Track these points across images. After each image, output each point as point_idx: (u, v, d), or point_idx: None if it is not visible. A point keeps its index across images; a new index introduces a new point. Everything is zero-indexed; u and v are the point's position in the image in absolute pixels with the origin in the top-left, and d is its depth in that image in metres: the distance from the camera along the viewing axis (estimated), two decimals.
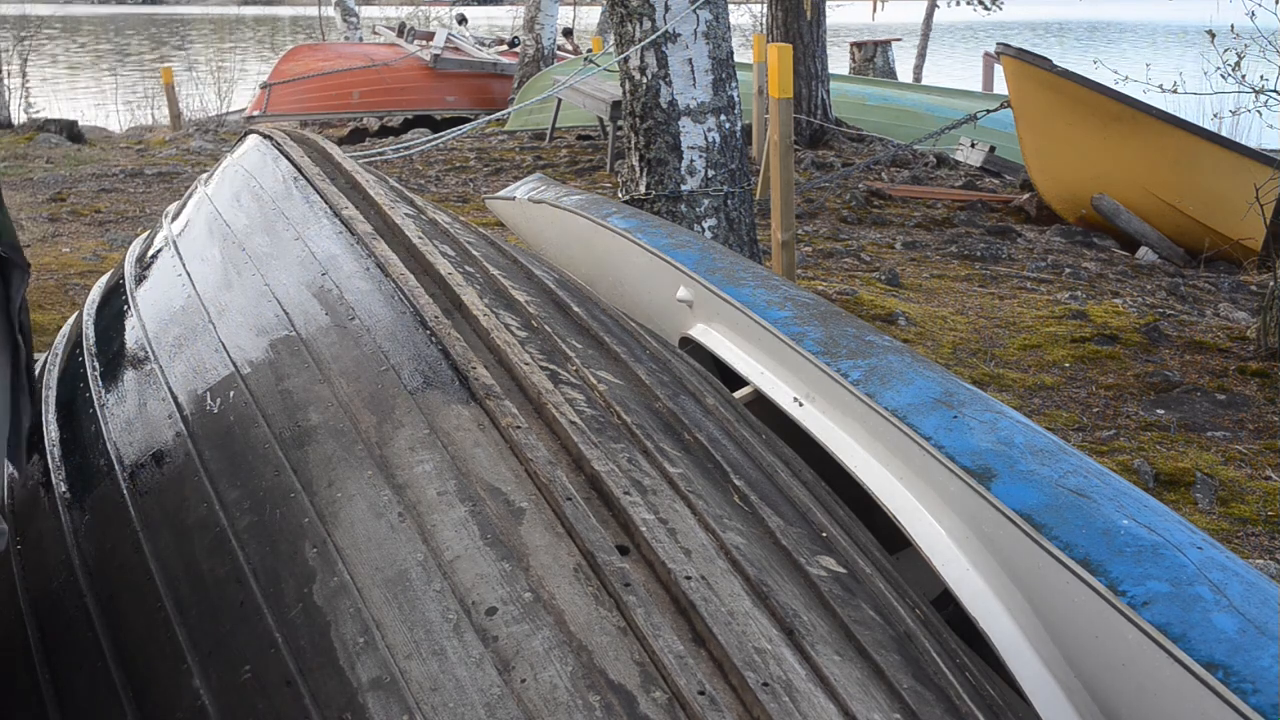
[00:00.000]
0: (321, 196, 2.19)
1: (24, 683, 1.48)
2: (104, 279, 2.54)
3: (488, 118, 7.59)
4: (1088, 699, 1.69)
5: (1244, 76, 6.89)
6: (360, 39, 16.47)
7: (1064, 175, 6.98)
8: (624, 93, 4.86)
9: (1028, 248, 6.60)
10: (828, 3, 9.75)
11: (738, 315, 2.55)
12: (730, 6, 5.29)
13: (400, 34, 14.73)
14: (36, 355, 2.82)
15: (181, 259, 2.18)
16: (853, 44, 14.75)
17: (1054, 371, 4.39)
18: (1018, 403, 4.05)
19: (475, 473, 1.38)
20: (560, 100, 9.71)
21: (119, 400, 1.82)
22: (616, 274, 3.14)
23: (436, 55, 12.97)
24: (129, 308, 2.14)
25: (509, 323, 1.78)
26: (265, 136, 2.60)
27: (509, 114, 9.65)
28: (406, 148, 7.34)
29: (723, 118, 4.76)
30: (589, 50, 12.29)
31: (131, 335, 2.03)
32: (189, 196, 2.63)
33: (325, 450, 1.46)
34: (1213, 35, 6.57)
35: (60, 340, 2.40)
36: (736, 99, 4.83)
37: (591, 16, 21.23)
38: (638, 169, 4.79)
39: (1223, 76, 6.85)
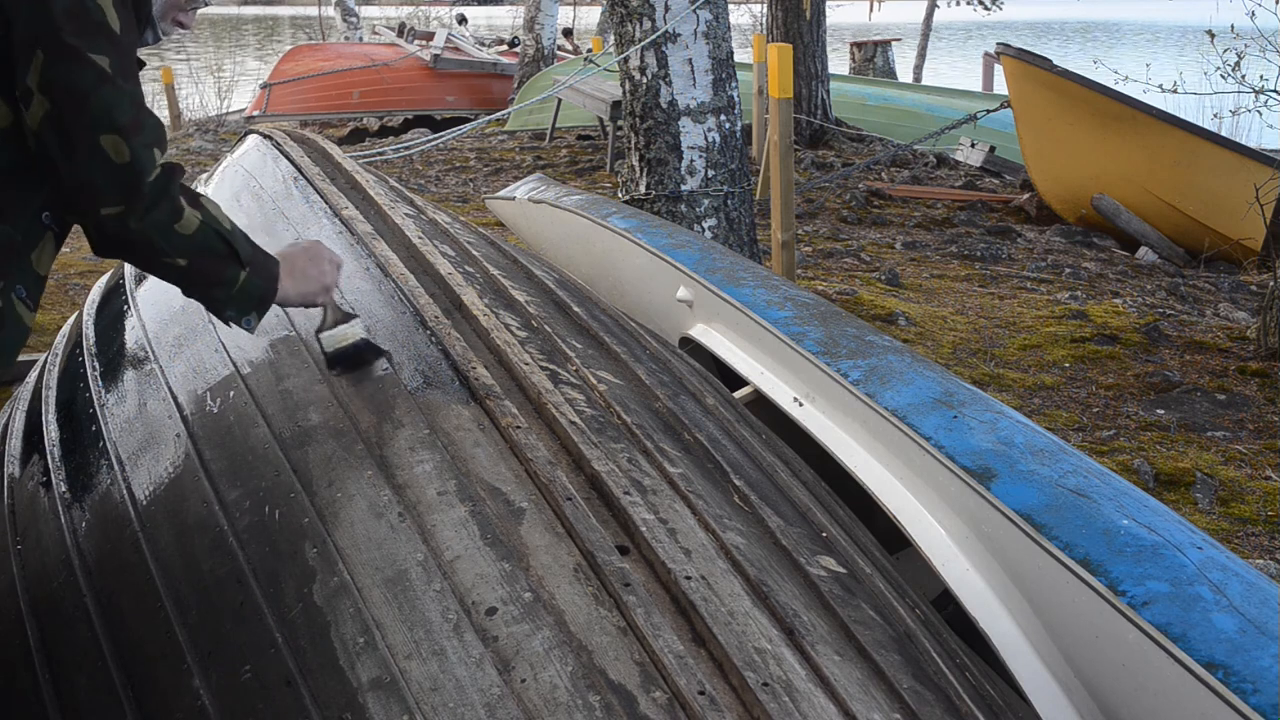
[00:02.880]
0: (321, 196, 2.19)
1: (24, 683, 1.48)
2: (104, 279, 2.54)
3: (488, 118, 7.59)
4: (1088, 699, 1.69)
5: (1244, 76, 6.89)
6: (360, 39, 16.47)
7: (1064, 175, 6.98)
8: (624, 93, 4.86)
9: (1028, 248, 6.60)
10: (827, 3, 9.75)
11: (738, 315, 2.55)
12: (730, 6, 5.29)
13: (400, 34, 14.72)
14: (36, 355, 2.81)
15: None
16: (853, 44, 14.75)
17: (1054, 371, 4.39)
18: (1018, 403, 4.05)
19: (475, 473, 1.38)
20: (560, 100, 9.71)
21: (119, 400, 1.83)
22: (616, 274, 3.14)
23: (436, 55, 12.97)
24: (129, 308, 2.14)
25: (509, 323, 1.78)
26: (265, 136, 2.60)
27: (509, 114, 9.65)
28: (406, 148, 7.34)
29: (723, 118, 4.76)
30: (589, 50, 12.28)
31: (131, 335, 2.04)
32: None
33: (325, 450, 1.46)
34: (1213, 35, 6.57)
35: (60, 340, 2.40)
36: (736, 99, 4.83)
37: (591, 16, 21.23)
38: (638, 169, 4.79)
39: (1223, 76, 6.85)
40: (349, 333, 1.64)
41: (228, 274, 1.47)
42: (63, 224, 1.48)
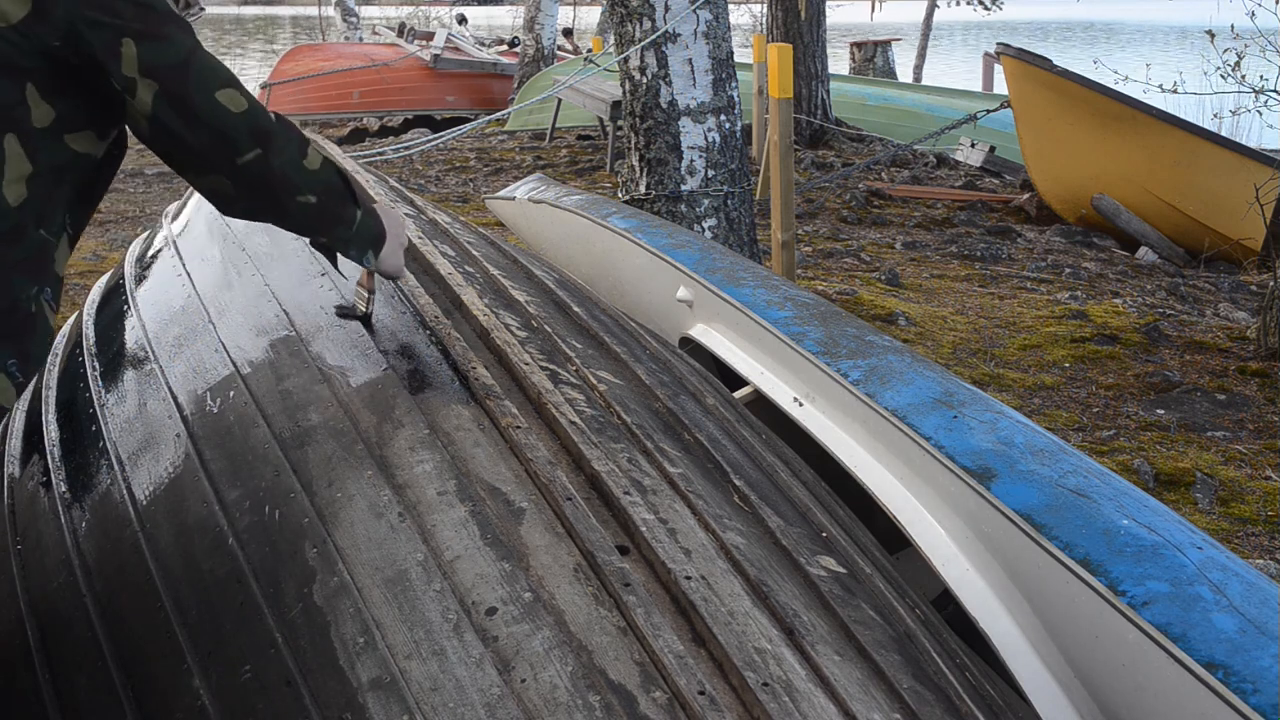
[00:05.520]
0: None
1: (24, 683, 1.48)
2: (104, 279, 2.54)
3: (488, 118, 7.59)
4: (1088, 699, 1.69)
5: (1244, 76, 6.90)
6: (360, 39, 16.46)
7: (1064, 175, 6.98)
8: (624, 93, 4.86)
9: (1028, 248, 6.60)
10: (827, 3, 9.75)
11: (738, 315, 2.55)
12: (730, 6, 5.29)
13: (400, 34, 14.72)
14: None
15: (181, 259, 2.18)
16: (853, 44, 14.75)
17: (1054, 371, 4.39)
18: (1018, 403, 4.05)
19: (475, 473, 1.38)
20: (560, 100, 9.71)
21: (119, 400, 1.82)
22: (616, 274, 3.14)
23: (436, 55, 12.97)
24: (129, 308, 2.14)
25: (509, 323, 1.78)
26: None
27: (509, 114, 9.65)
28: (406, 148, 7.34)
29: (723, 118, 4.76)
30: (589, 50, 12.29)
31: (131, 335, 2.03)
32: (189, 196, 2.63)
33: (325, 450, 1.46)
34: (1213, 35, 6.58)
35: (60, 340, 2.40)
36: (736, 99, 4.83)
37: (591, 16, 21.22)
38: (638, 169, 4.79)
39: (1223, 76, 6.86)
40: (364, 301, 1.77)
41: (348, 211, 1.55)
42: (77, 225, 1.51)
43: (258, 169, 1.43)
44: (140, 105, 1.38)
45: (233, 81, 1.41)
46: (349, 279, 1.87)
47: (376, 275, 1.74)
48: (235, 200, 1.47)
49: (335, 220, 1.54)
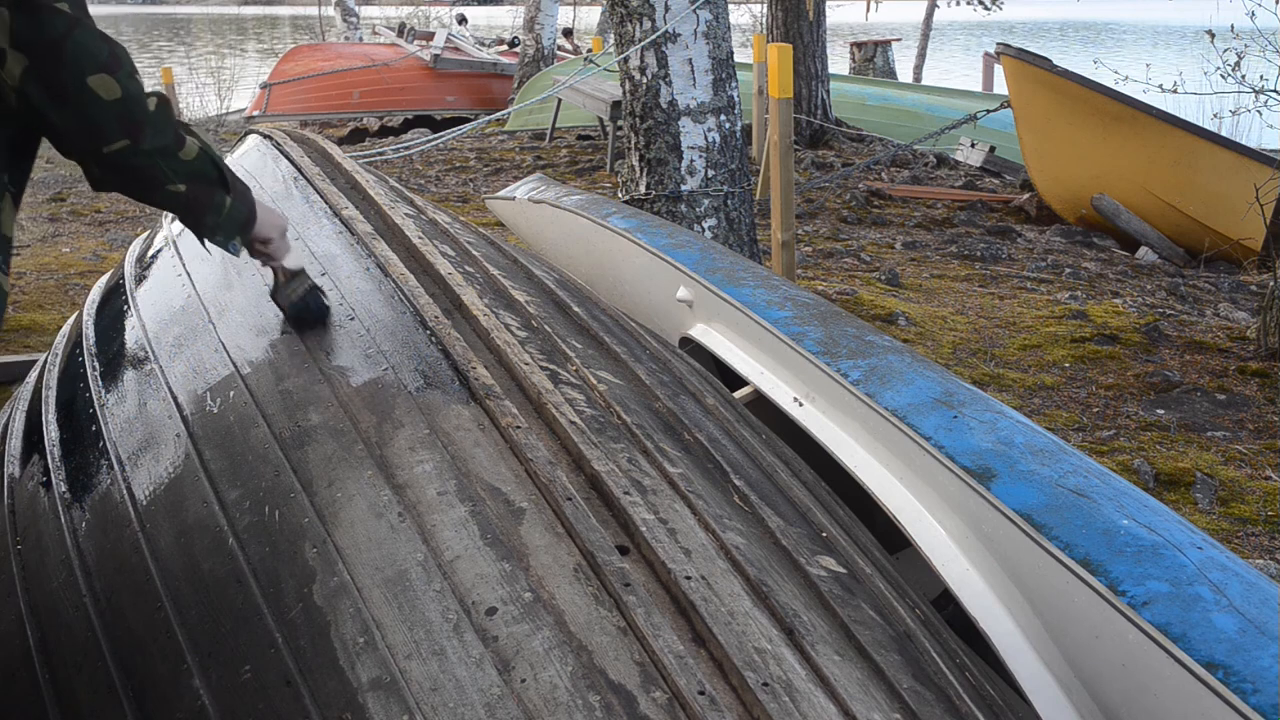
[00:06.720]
0: (321, 196, 2.19)
1: (24, 683, 1.48)
2: (104, 279, 2.54)
3: (488, 118, 7.58)
4: (1088, 699, 1.69)
5: (1244, 76, 6.90)
6: (360, 39, 16.47)
7: (1064, 175, 6.98)
8: (624, 93, 4.86)
9: (1028, 248, 6.60)
10: (827, 3, 9.76)
11: (738, 315, 2.55)
12: (730, 6, 5.29)
13: (400, 34, 14.73)
14: (36, 355, 2.81)
15: (181, 259, 2.18)
16: (853, 44, 14.76)
17: (1054, 371, 4.39)
18: (1018, 403, 4.05)
19: (475, 473, 1.38)
20: (560, 100, 9.71)
21: (119, 400, 1.82)
22: (616, 274, 3.14)
23: (436, 55, 12.98)
24: (129, 308, 2.14)
25: (509, 323, 1.78)
26: (265, 136, 2.60)
27: (509, 114, 9.65)
28: (406, 148, 7.33)
29: (723, 118, 4.76)
30: (589, 50, 12.29)
31: (131, 335, 2.03)
32: None
33: (325, 450, 1.46)
34: (1213, 35, 6.58)
35: (60, 340, 2.40)
36: (736, 99, 4.83)
37: (591, 16, 21.23)
38: (638, 169, 4.79)
39: (1223, 76, 6.86)
40: (301, 284, 1.75)
41: (216, 199, 1.54)
42: (19, 182, 1.48)
43: (125, 159, 1.40)
44: (8, 77, 1.34)
45: (111, 66, 1.36)
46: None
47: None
48: (102, 182, 1.44)
49: (203, 208, 1.53)
